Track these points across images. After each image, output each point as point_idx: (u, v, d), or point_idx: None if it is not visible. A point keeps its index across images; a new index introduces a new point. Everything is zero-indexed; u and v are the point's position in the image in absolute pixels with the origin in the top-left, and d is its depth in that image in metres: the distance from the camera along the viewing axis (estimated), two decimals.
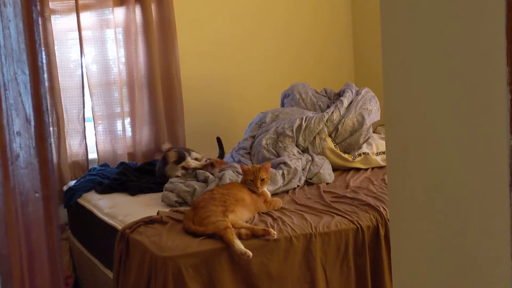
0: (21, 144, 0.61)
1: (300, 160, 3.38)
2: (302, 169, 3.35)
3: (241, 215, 2.68)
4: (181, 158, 3.50)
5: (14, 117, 0.60)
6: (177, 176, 3.43)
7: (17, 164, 0.60)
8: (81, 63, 4.04)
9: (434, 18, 0.98)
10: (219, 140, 3.92)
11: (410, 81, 1.05)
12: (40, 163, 0.64)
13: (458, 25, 0.94)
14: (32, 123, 0.63)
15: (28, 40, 0.62)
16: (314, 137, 3.63)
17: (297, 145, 3.61)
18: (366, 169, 3.64)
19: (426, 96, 1.01)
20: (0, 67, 0.57)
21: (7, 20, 0.58)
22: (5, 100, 0.59)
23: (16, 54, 0.60)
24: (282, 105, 4.18)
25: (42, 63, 0.62)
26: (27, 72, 0.61)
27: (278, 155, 3.53)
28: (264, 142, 3.61)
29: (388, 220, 2.70)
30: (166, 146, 3.72)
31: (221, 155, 3.84)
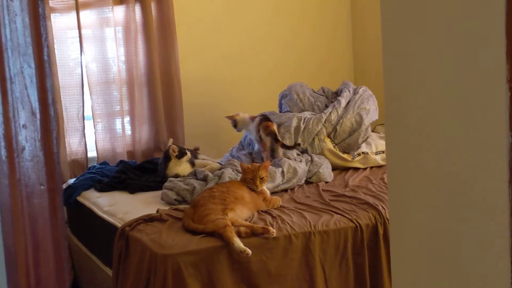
0: (27, 137, 0.62)
1: (301, 162, 3.38)
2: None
3: (241, 213, 2.69)
4: (182, 152, 3.52)
5: (20, 110, 0.61)
6: (177, 176, 3.42)
7: (22, 157, 0.61)
8: (81, 62, 4.04)
9: (434, 16, 0.98)
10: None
11: (410, 80, 1.05)
12: (46, 155, 0.64)
13: (457, 23, 0.94)
14: (38, 116, 0.63)
15: (34, 34, 0.62)
16: (313, 139, 3.63)
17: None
18: (365, 168, 3.64)
19: (426, 94, 1.02)
20: (6, 60, 0.58)
21: (13, 14, 0.58)
22: (11, 94, 0.59)
23: (22, 47, 0.60)
24: (280, 105, 4.17)
25: (47, 56, 0.63)
26: (33, 65, 0.62)
27: None
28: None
29: (387, 218, 2.72)
30: (170, 142, 3.73)
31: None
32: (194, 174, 3.34)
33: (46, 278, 0.64)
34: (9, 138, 0.60)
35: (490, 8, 0.88)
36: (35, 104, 0.63)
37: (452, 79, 0.96)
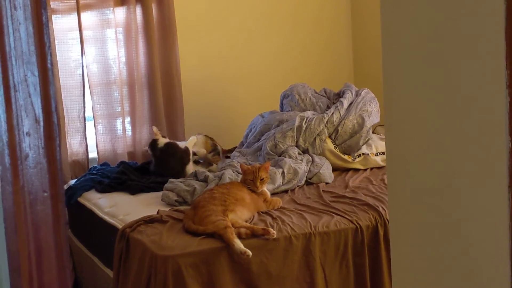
0: (31, 144, 0.63)
1: (302, 162, 3.39)
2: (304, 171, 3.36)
3: (241, 214, 2.69)
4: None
5: (24, 118, 0.62)
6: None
7: (26, 164, 0.61)
8: (82, 63, 4.05)
9: (434, 21, 0.99)
10: None
11: (410, 83, 1.05)
12: (49, 162, 0.65)
13: (457, 28, 0.95)
14: (41, 123, 0.64)
15: (37, 43, 0.63)
16: (314, 138, 3.63)
17: (297, 146, 3.62)
18: (365, 169, 3.65)
19: (426, 98, 1.02)
20: (10, 69, 0.58)
21: (17, 23, 0.59)
22: (15, 101, 0.60)
23: (26, 56, 0.61)
24: (281, 105, 4.17)
25: (51, 64, 0.63)
26: (36, 73, 0.62)
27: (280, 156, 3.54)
28: (268, 148, 3.63)
29: (387, 220, 2.72)
30: (155, 129, 3.75)
31: None
32: (194, 175, 3.35)
33: (49, 284, 0.65)
34: (13, 146, 0.60)
35: (490, 13, 0.88)
36: (39, 112, 0.64)
37: (452, 84, 0.96)
